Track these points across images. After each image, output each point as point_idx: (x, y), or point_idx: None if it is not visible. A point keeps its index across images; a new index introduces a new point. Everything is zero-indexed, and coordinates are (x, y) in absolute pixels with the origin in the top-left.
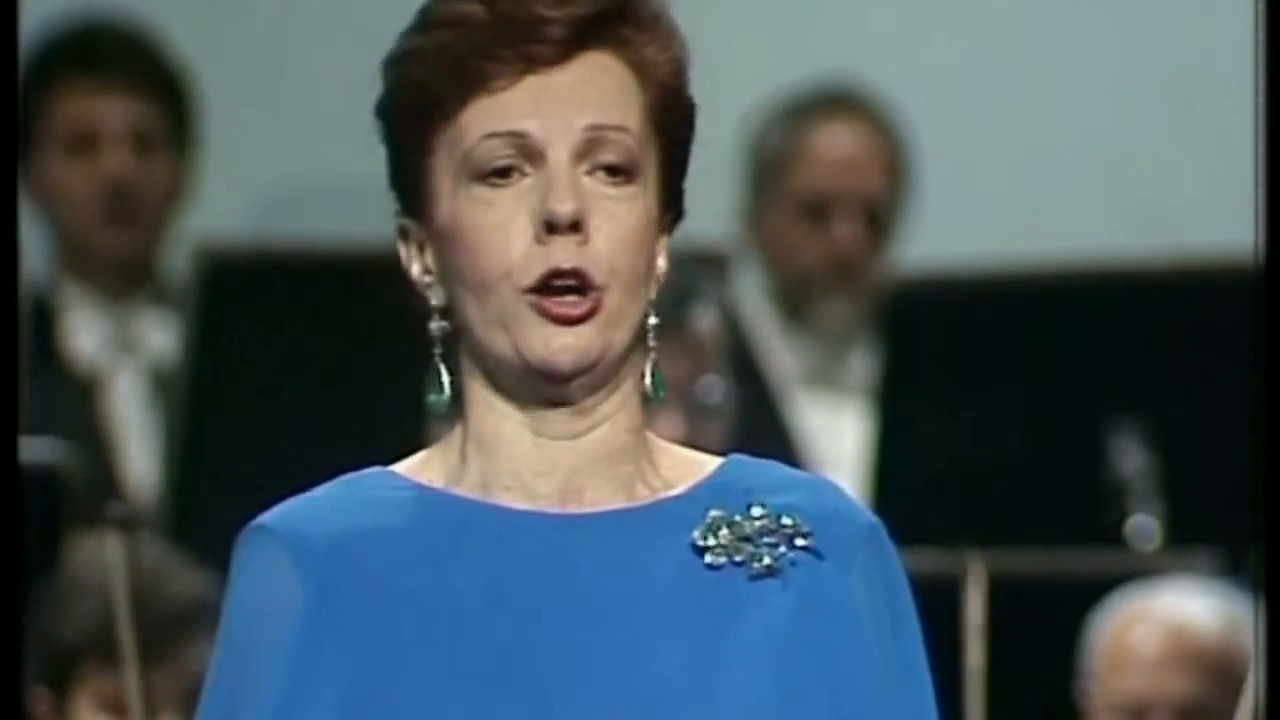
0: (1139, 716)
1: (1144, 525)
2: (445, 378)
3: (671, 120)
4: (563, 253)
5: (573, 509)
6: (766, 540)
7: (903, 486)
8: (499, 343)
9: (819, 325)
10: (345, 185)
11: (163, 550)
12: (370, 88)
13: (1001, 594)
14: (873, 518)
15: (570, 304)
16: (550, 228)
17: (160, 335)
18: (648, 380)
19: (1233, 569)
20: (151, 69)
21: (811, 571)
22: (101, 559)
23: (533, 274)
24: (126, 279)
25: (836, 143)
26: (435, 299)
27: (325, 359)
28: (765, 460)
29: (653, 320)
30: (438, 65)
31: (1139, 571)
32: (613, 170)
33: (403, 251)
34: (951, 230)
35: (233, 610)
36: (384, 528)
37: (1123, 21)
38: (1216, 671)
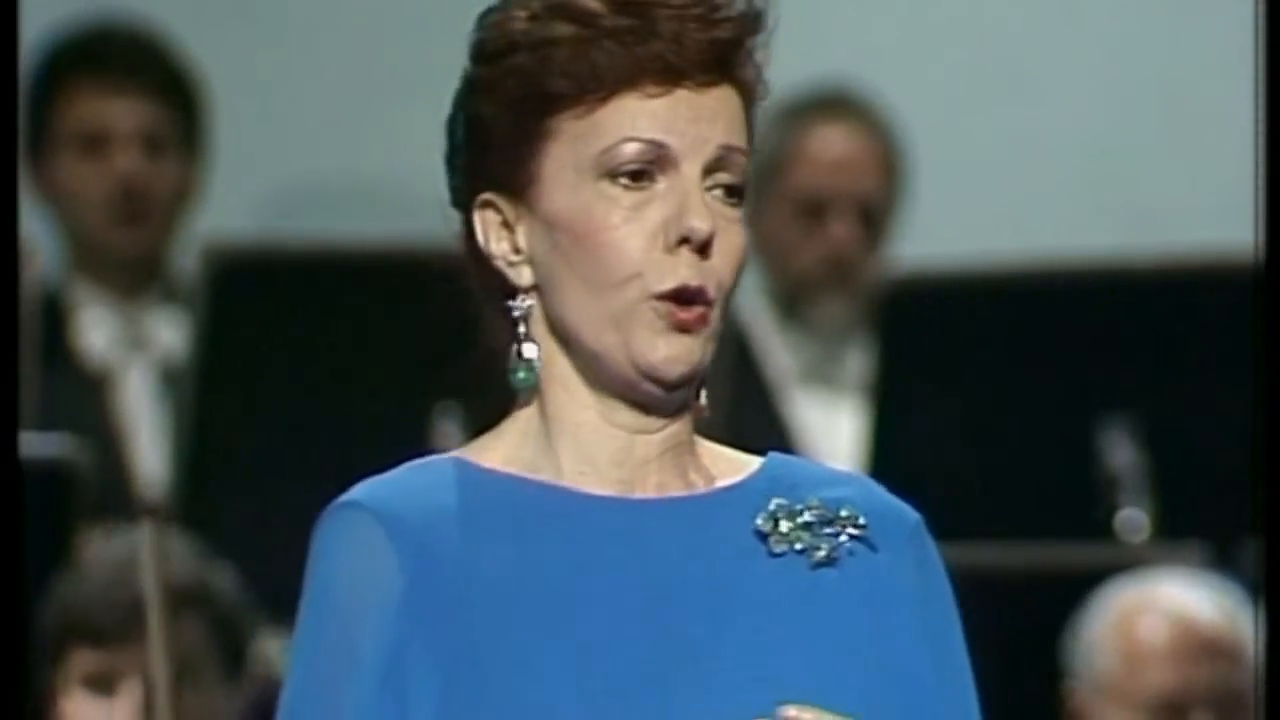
0: (1175, 711)
1: (1133, 519)
2: (535, 354)
3: (752, 137)
4: (690, 269)
5: (639, 494)
6: (826, 530)
7: (897, 481)
8: (608, 341)
9: (815, 323)
10: (349, 186)
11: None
12: (371, 96)
13: (993, 587)
14: (916, 514)
15: (689, 312)
16: (685, 241)
17: (170, 332)
18: (703, 395)
19: (1221, 561)
20: (162, 72)
21: (867, 562)
22: (105, 550)
23: (666, 282)
24: (137, 277)
25: (832, 144)
26: (522, 279)
27: (330, 355)
28: (801, 457)
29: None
30: (586, 59)
31: (1129, 564)
32: (730, 190)
33: (479, 226)
34: (944, 230)
35: (331, 584)
36: (463, 509)
37: (1110, 27)
38: (1226, 658)
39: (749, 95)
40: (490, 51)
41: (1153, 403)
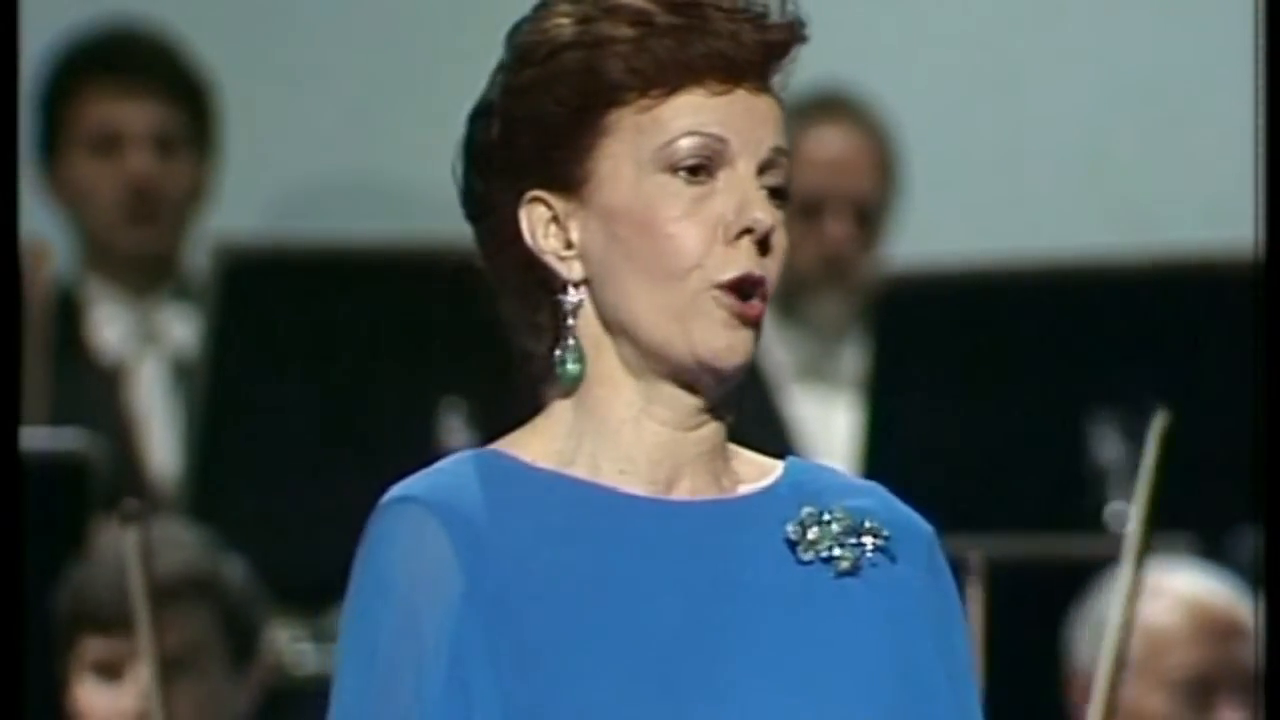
0: (1204, 688)
1: (1122, 510)
2: (581, 348)
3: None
4: (752, 260)
5: (675, 496)
6: (851, 541)
7: (891, 475)
8: (669, 331)
9: (812, 320)
10: (355, 186)
11: (166, 523)
12: (379, 96)
13: (987, 574)
14: (930, 526)
15: (752, 306)
16: (746, 233)
17: (181, 328)
18: None
19: (1209, 552)
20: (173, 75)
21: (888, 573)
22: (112, 541)
23: (728, 272)
24: (149, 275)
25: (828, 145)
26: (573, 274)
27: (338, 350)
28: (818, 463)
29: None
30: (648, 54)
31: (1119, 555)
32: (775, 192)
33: (526, 223)
34: (938, 229)
35: (390, 575)
36: (512, 504)
37: (1097, 32)
38: (1241, 638)
39: (782, 104)
40: (541, 54)
41: (1141, 398)
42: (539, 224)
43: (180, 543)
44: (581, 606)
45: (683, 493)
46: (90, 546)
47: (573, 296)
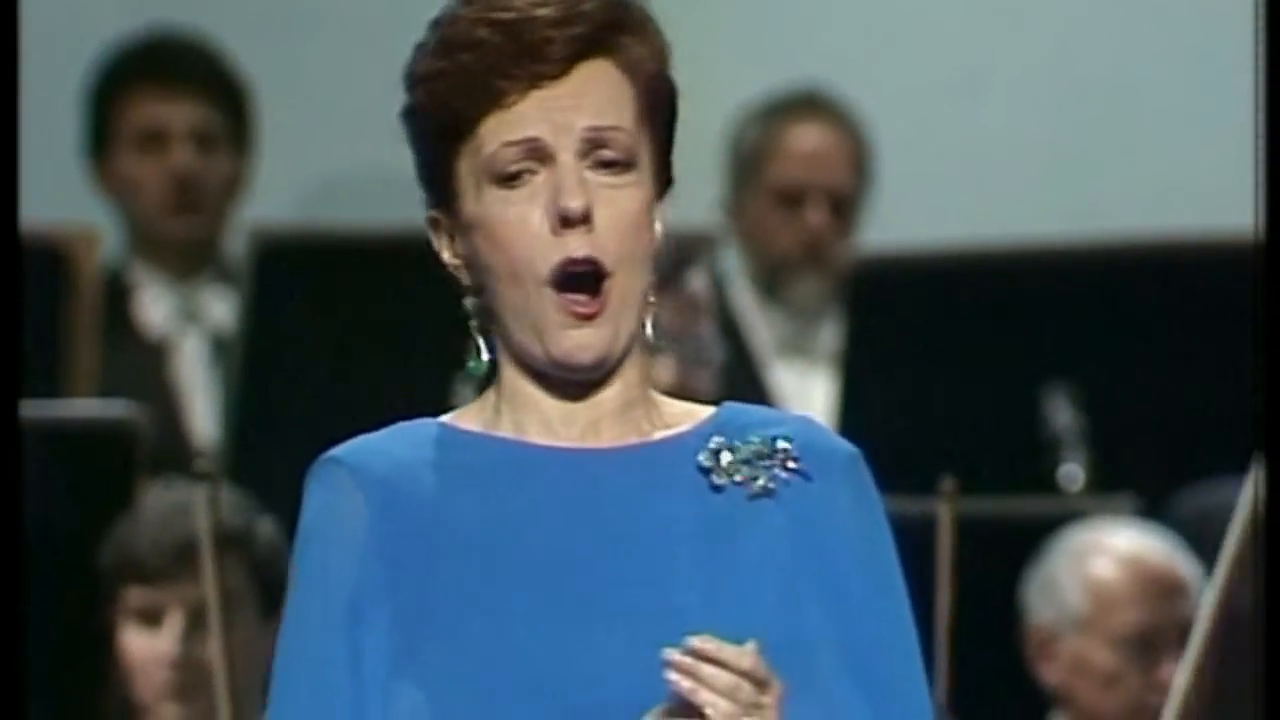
0: (1148, 644)
1: (1072, 473)
2: (483, 346)
3: (659, 106)
4: (575, 242)
5: (592, 444)
6: (762, 464)
7: (865, 442)
8: (525, 336)
9: (792, 301)
10: (381, 177)
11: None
12: (402, 97)
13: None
14: (854, 447)
15: (584, 303)
16: (564, 221)
17: (221, 308)
18: (649, 331)
19: (1149, 510)
20: (213, 77)
21: (802, 491)
22: (157, 499)
23: (550, 261)
24: (191, 260)
25: (807, 140)
26: (466, 280)
27: (364, 328)
28: (755, 406)
29: (649, 278)
30: (459, 85)
31: (1069, 513)
32: (612, 164)
33: (434, 238)
34: (908, 217)
35: (309, 526)
36: (431, 462)
37: (1057, 37)
38: (1184, 595)
39: (628, 67)
40: (406, 87)
41: (1091, 371)
42: (439, 238)
43: (225, 504)
44: (491, 549)
45: (603, 441)
46: (138, 506)
47: (469, 300)
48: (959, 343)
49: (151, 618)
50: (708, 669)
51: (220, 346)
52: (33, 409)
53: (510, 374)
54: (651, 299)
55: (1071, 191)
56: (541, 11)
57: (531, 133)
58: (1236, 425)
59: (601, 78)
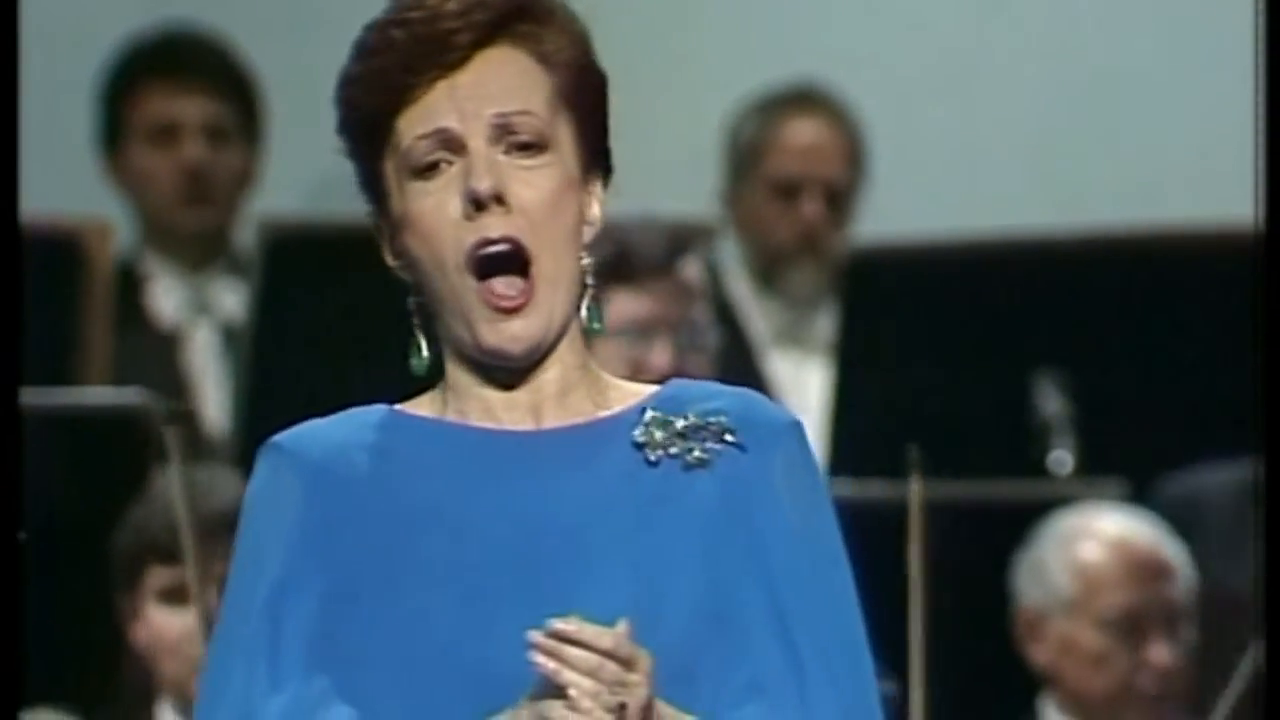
0: (1134, 626)
1: (1062, 458)
2: (423, 344)
3: (582, 95)
4: (491, 222)
5: (532, 426)
6: (696, 436)
7: (860, 428)
8: (458, 328)
9: (788, 291)
10: None
11: (216, 466)
12: None
13: (944, 517)
14: (793, 417)
15: (510, 298)
16: (477, 205)
17: (231, 298)
18: (584, 314)
19: (1136, 494)
20: (224, 71)
21: (735, 462)
22: (165, 483)
23: (465, 244)
24: (203, 251)
25: (803, 134)
26: (408, 277)
27: (369, 317)
28: (700, 382)
29: (586, 261)
30: (372, 86)
31: (1058, 497)
32: (525, 147)
33: (380, 240)
34: (902, 209)
35: (248, 508)
36: (372, 446)
37: (1046, 33)
38: (1169, 577)
39: (542, 57)
40: (334, 99)
41: (1079, 360)
42: (384, 241)
43: (228, 484)
44: (418, 533)
45: (544, 424)
46: (150, 490)
47: (411, 298)
48: (951, 332)
49: (177, 596)
50: (570, 650)
51: (231, 336)
52: (48, 396)
53: (452, 364)
54: (590, 282)
55: (1060, 184)
56: (448, 6)
57: (441, 123)
58: (1221, 411)
59: (508, 64)
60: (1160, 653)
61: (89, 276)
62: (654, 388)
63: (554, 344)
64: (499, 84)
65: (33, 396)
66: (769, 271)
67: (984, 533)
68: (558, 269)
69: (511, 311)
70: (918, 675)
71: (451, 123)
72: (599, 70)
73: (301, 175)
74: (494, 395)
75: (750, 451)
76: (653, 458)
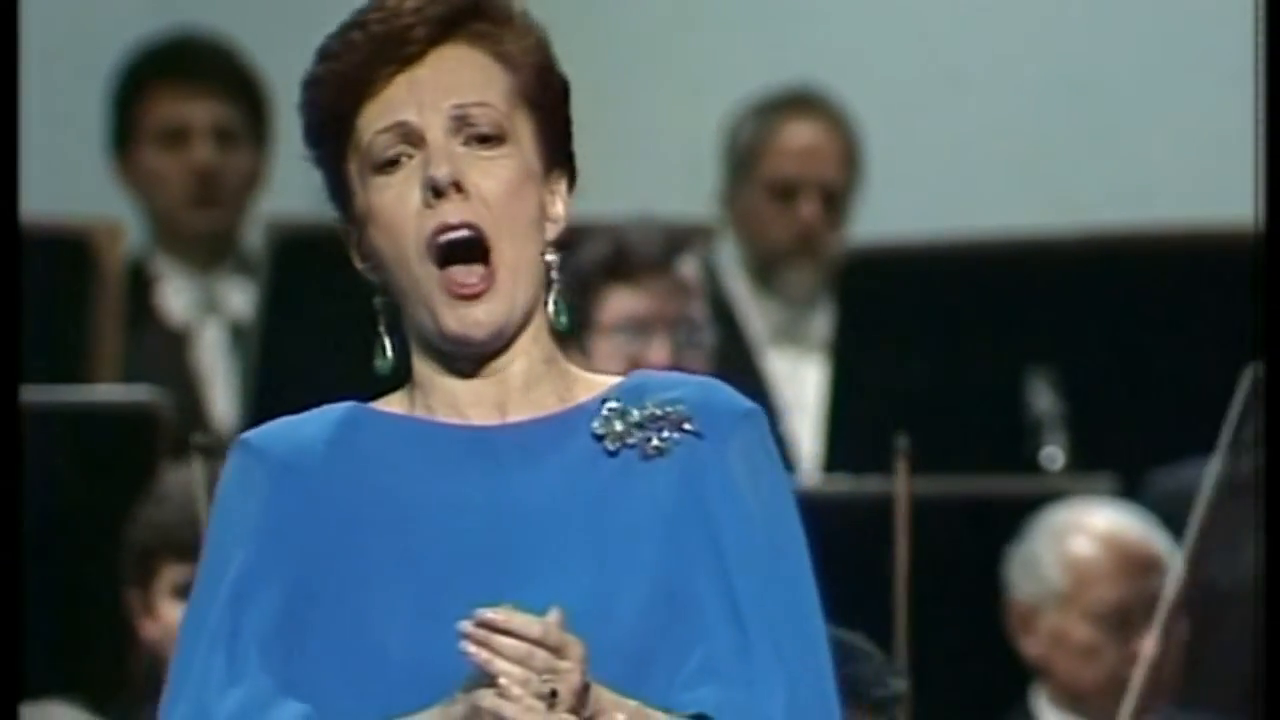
0: (1124, 619)
1: (1053, 454)
2: (387, 345)
3: (542, 95)
4: (449, 209)
5: (497, 420)
6: (654, 426)
7: (855, 424)
8: (422, 316)
9: (785, 290)
10: None
11: (221, 467)
12: None
13: (938, 511)
14: (751, 404)
15: (470, 286)
16: (436, 192)
17: (239, 297)
18: (550, 309)
19: (1125, 489)
20: (232, 76)
21: (692, 450)
22: (182, 478)
23: (425, 230)
24: (211, 251)
25: (800, 137)
26: (375, 279)
27: (376, 318)
28: (663, 373)
29: (551, 257)
30: (333, 88)
31: (1050, 492)
32: (484, 138)
33: (349, 250)
34: (896, 210)
35: (218, 503)
36: (339, 443)
37: (1036, 39)
38: (1154, 570)
39: (502, 57)
40: (299, 102)
41: (1070, 357)
42: (353, 248)
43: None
44: (385, 524)
45: (508, 418)
46: (160, 485)
47: (377, 299)
48: (945, 330)
49: (188, 592)
50: (500, 639)
51: (239, 335)
52: (60, 393)
53: (419, 360)
54: (555, 276)
55: (1051, 185)
56: (405, 5)
57: (400, 116)
58: (1209, 408)
59: (466, 60)
60: (1149, 646)
61: (100, 276)
62: (619, 379)
63: (517, 334)
64: (457, 78)
65: (44, 393)
66: (766, 271)
67: (977, 527)
68: (518, 256)
69: (472, 298)
70: (902, 660)
71: (410, 115)
72: (560, 75)
73: (309, 177)
74: (460, 389)
75: (707, 438)
76: (612, 448)
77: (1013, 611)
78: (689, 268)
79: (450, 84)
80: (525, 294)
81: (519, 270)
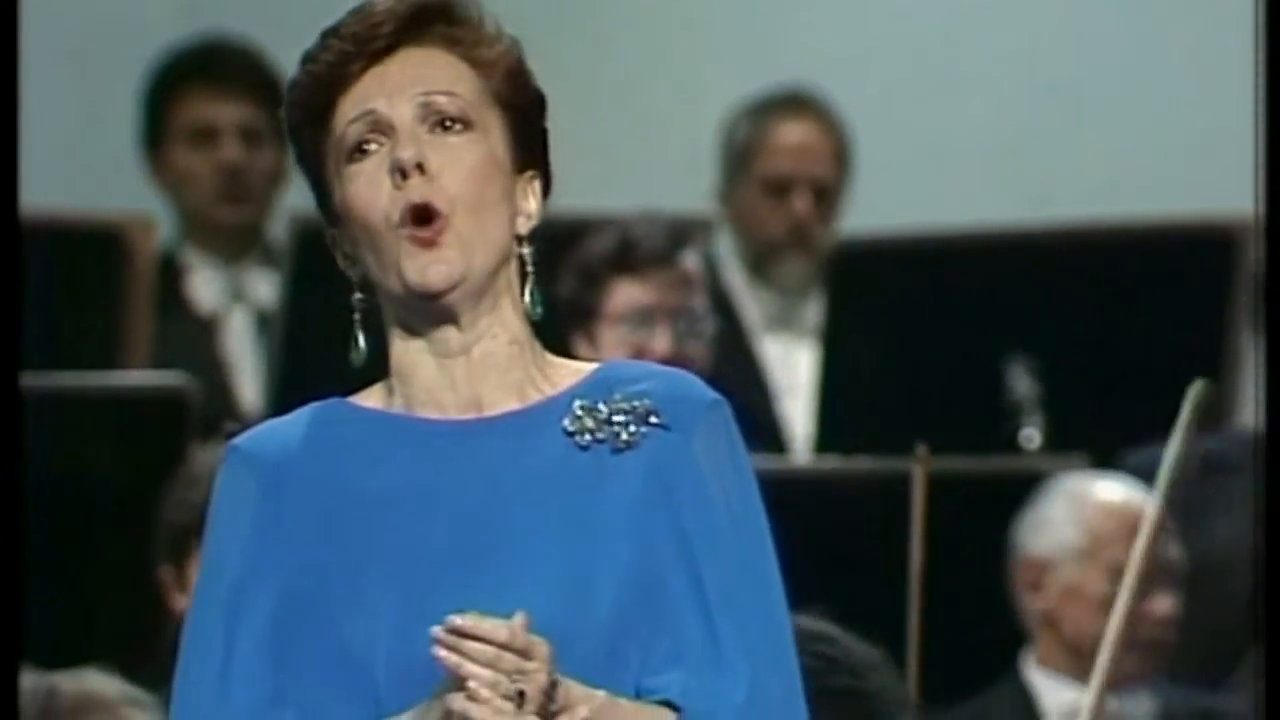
0: (1147, 579)
1: (1031, 435)
2: (361, 338)
3: (515, 99)
4: (416, 191)
5: (474, 415)
6: (621, 420)
7: (845, 409)
8: (390, 279)
9: (779, 281)
10: None
11: None
12: None
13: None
14: (715, 396)
15: (427, 234)
16: (402, 173)
17: (265, 288)
18: (527, 299)
19: (1099, 467)
20: (258, 77)
21: (659, 441)
22: (214, 461)
23: (396, 209)
24: (239, 244)
25: (793, 135)
26: (355, 275)
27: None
28: (632, 362)
29: (525, 250)
30: (309, 88)
31: (1029, 470)
32: (450, 122)
33: (334, 253)
34: (884, 205)
35: (211, 510)
36: (324, 441)
37: (1017, 42)
38: (1163, 534)
39: (473, 61)
40: (283, 107)
41: (1048, 344)
42: (337, 251)
43: None
44: (361, 526)
45: (484, 411)
46: (192, 467)
47: (355, 296)
48: (930, 318)
49: None
50: (469, 644)
51: (264, 323)
52: (95, 378)
53: (397, 353)
54: (530, 269)
55: (1030, 181)
56: (379, 6)
57: (369, 105)
58: (1177, 391)
59: (437, 59)
60: (1164, 604)
61: (133, 268)
62: (591, 366)
63: (483, 315)
64: (425, 70)
65: (80, 378)
66: (761, 262)
67: (962, 503)
68: (474, 228)
69: (430, 245)
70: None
71: (379, 105)
72: (534, 84)
73: None
74: (433, 376)
75: (673, 430)
76: (583, 443)
77: (1021, 568)
78: (692, 261)
79: (418, 75)
80: (484, 260)
81: (475, 239)
